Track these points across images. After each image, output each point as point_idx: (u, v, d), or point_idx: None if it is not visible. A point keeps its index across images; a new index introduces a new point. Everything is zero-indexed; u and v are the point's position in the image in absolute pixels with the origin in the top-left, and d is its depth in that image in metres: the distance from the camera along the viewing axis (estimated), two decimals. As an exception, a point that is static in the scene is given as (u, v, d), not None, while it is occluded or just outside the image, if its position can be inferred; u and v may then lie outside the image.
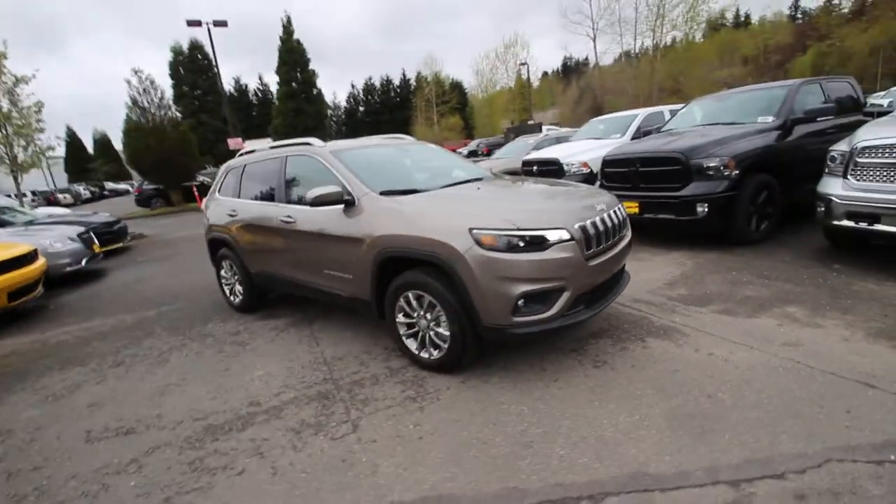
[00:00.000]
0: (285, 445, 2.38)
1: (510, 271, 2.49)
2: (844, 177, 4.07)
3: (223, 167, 4.86)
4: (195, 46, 31.65)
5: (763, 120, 5.37)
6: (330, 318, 4.17)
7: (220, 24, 18.73)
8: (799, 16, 54.87)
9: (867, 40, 20.32)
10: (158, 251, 9.60)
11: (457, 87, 45.63)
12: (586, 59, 73.15)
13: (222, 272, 4.80)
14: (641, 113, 8.40)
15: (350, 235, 3.15)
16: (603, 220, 2.79)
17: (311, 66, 21.69)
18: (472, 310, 2.61)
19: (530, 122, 25.22)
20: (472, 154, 29.94)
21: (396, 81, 54.96)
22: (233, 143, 17.77)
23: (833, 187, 4.13)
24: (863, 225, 3.86)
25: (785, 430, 2.06)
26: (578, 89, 48.73)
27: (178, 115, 21.97)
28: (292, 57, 20.98)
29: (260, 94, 50.89)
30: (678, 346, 2.91)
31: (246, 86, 51.29)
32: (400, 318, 3.03)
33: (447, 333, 2.77)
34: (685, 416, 2.24)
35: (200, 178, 19.07)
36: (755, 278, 3.93)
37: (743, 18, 53.31)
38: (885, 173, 3.77)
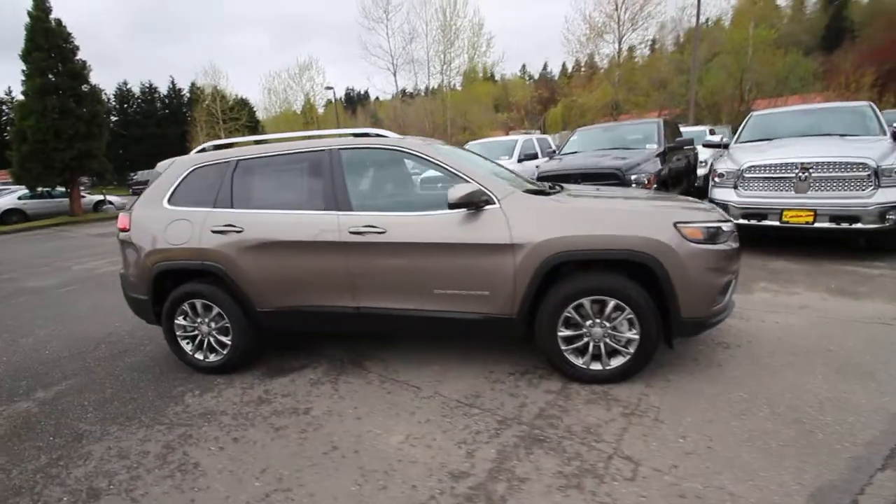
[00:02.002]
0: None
1: (716, 262, 2.57)
2: (735, 188, 5.55)
3: (176, 166, 3.33)
4: None
5: (650, 146, 6.84)
6: (369, 350, 3.31)
7: None
8: (554, 75, 70.03)
9: (595, 99, 27.92)
10: None
11: (244, 104, 41.33)
12: (366, 92, 77.22)
13: (179, 320, 3.24)
14: (520, 139, 9.48)
15: (491, 243, 2.65)
16: None
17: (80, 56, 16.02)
18: (673, 305, 2.55)
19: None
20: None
21: (163, 90, 46.37)
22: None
23: (728, 195, 5.57)
24: (754, 222, 5.33)
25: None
26: (369, 121, 50.84)
27: None
28: (51, 41, 15.26)
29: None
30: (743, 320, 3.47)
31: None
32: (564, 331, 2.69)
33: (635, 337, 2.62)
34: (847, 367, 2.71)
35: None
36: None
37: (518, 72, 65.17)
38: (764, 184, 5.30)
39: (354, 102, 75.84)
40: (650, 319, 2.57)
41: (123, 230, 3.32)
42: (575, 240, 2.56)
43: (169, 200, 3.24)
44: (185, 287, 3.17)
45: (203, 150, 3.46)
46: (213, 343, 3.22)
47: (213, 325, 3.20)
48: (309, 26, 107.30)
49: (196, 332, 3.24)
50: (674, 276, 2.50)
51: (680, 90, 26.07)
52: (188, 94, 43.70)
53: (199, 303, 3.17)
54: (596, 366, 2.71)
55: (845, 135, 5.64)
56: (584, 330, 2.68)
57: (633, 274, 2.61)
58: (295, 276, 2.98)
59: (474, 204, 2.63)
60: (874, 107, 5.93)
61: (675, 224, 2.53)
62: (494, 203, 2.69)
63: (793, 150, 5.28)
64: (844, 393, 2.47)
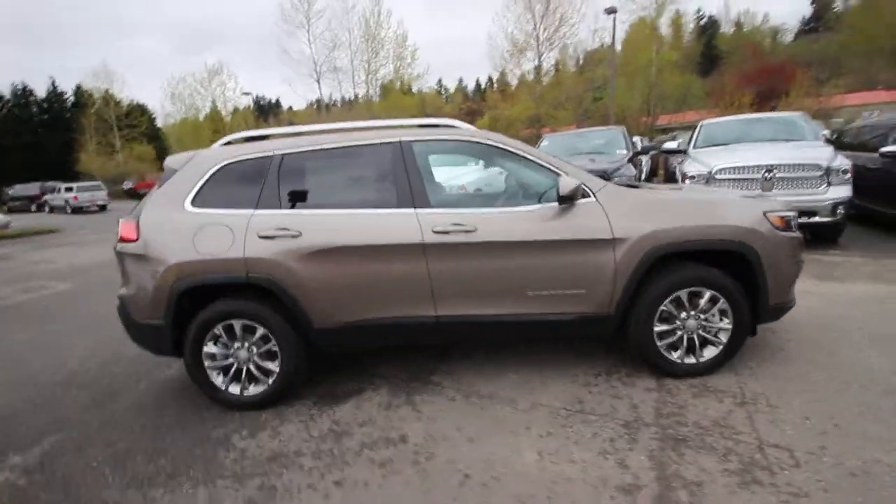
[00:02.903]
0: None
1: (794, 249, 2.70)
2: (707, 188, 6.05)
3: (199, 161, 2.77)
4: None
5: (620, 152, 7.23)
6: (426, 364, 3.02)
7: None
8: (470, 90, 71.62)
9: (518, 112, 29.32)
10: None
11: (142, 110, 37.12)
12: (278, 100, 73.62)
13: (209, 347, 2.68)
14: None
15: (591, 238, 2.54)
16: None
17: None
18: (763, 293, 2.62)
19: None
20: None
21: (41, 93, 40.06)
22: None
23: (701, 195, 6.07)
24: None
25: None
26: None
27: None
28: None
29: None
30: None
31: None
32: (659, 326, 2.65)
33: (728, 327, 2.65)
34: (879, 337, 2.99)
35: None
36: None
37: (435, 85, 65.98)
38: (734, 184, 5.81)
39: (266, 111, 71.97)
40: (742, 308, 2.61)
41: (128, 240, 2.69)
42: (678, 231, 2.54)
43: (193, 202, 2.69)
44: (218, 306, 2.64)
45: (229, 142, 2.95)
46: (255, 371, 2.71)
47: (254, 349, 2.69)
48: (215, 31, 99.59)
49: (231, 361, 2.70)
50: (766, 263, 2.57)
51: (591, 106, 28.37)
52: (73, 98, 38.27)
53: (237, 324, 2.65)
54: (690, 359, 2.70)
55: (789, 140, 6.40)
56: (678, 323, 2.66)
57: (720, 263, 2.64)
58: (365, 285, 2.61)
59: (573, 198, 2.51)
60: (805, 117, 6.82)
61: (764, 213, 2.62)
62: (590, 196, 2.59)
63: (755, 154, 5.86)
64: (905, 362, 2.71)
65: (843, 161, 5.52)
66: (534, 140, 11.03)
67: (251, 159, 2.75)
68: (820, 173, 5.42)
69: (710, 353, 2.70)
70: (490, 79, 62.59)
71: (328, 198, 2.73)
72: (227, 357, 2.70)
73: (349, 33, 32.86)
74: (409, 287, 2.61)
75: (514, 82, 34.32)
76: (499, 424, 2.41)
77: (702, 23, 50.04)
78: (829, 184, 5.43)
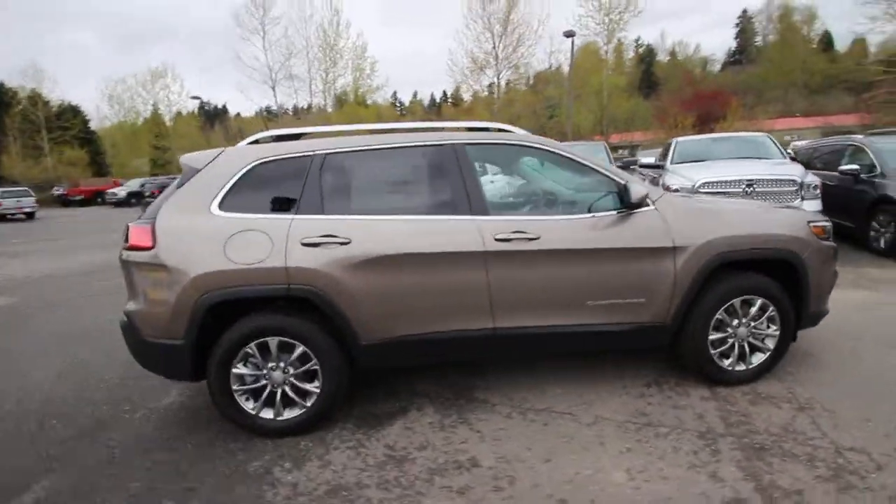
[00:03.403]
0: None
1: (831, 258, 2.80)
2: (690, 201, 6.32)
3: (227, 160, 2.47)
4: None
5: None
6: (463, 379, 2.86)
7: None
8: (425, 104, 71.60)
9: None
10: None
11: (74, 111, 34.13)
12: (225, 106, 70.54)
13: (238, 369, 2.36)
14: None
15: (653, 246, 2.51)
16: None
17: None
18: (806, 300, 2.69)
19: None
20: (138, 196, 23.57)
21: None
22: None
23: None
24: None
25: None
26: (236, 135, 46.91)
27: None
28: None
29: None
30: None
31: None
32: (714, 334, 2.65)
33: (776, 334, 2.70)
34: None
35: None
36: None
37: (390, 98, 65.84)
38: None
39: (212, 116, 68.77)
40: (789, 315, 2.67)
41: (140, 248, 2.34)
42: (736, 240, 2.56)
43: (222, 205, 2.39)
44: (252, 322, 2.34)
45: (257, 141, 2.66)
46: (291, 393, 2.42)
47: (290, 369, 2.41)
48: (161, 27, 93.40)
49: (263, 383, 2.40)
50: (811, 271, 2.65)
51: (547, 122, 29.53)
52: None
53: (273, 342, 2.36)
54: (740, 366, 2.71)
55: (760, 157, 6.84)
56: (730, 331, 2.67)
57: (766, 272, 2.69)
58: (420, 297, 2.42)
59: (640, 205, 2.47)
60: (771, 137, 7.34)
61: (808, 222, 2.70)
62: (649, 204, 2.56)
63: (735, 169, 6.20)
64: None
65: (813, 177, 5.96)
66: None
67: (288, 159, 2.49)
68: (795, 188, 5.81)
69: (757, 359, 2.73)
70: (445, 94, 63.64)
71: (377, 202, 2.54)
72: (258, 379, 2.40)
73: (306, 42, 32.19)
74: (466, 298, 2.45)
75: (468, 98, 35.00)
76: (569, 442, 2.28)
77: (640, 51, 53.65)
78: (803, 198, 5.83)
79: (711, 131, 20.65)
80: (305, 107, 37.76)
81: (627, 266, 2.51)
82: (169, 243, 2.32)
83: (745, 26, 56.60)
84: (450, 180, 2.50)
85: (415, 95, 70.02)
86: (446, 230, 2.43)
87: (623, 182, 2.52)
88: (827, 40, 46.31)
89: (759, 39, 54.36)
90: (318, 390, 2.42)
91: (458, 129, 2.77)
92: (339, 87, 33.95)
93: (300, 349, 2.38)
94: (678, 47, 53.27)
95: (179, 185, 2.45)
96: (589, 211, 2.56)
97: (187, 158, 2.56)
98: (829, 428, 2.27)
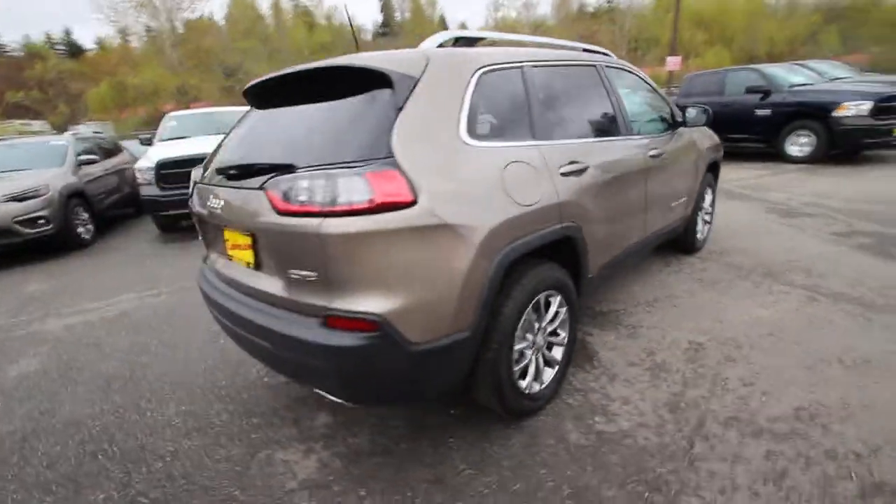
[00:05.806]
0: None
1: None
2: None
3: (454, 66, 1.63)
4: None
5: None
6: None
7: None
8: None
9: (150, 80, 23.66)
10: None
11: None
12: None
13: (519, 343, 1.83)
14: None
15: (695, 149, 3.38)
16: None
17: None
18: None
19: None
20: None
21: None
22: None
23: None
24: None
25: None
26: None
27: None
28: None
29: None
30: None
31: None
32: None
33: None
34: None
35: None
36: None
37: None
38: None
39: None
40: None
41: (394, 206, 1.40)
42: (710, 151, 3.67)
43: (469, 130, 1.66)
44: (536, 277, 1.84)
45: (442, 45, 1.83)
46: (549, 355, 2.06)
47: (548, 328, 2.03)
48: None
49: (528, 353, 1.94)
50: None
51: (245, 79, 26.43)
52: None
53: (543, 298, 1.93)
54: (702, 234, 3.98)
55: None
56: (707, 208, 3.86)
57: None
58: (619, 219, 2.45)
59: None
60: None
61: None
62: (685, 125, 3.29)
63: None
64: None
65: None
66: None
67: (507, 69, 1.92)
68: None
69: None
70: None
71: (577, 124, 2.27)
72: (522, 350, 1.92)
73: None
74: (637, 214, 2.65)
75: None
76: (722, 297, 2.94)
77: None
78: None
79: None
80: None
81: (685, 167, 3.23)
82: (440, 190, 1.49)
83: (386, 1, 64.02)
84: (610, 101, 2.52)
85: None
86: (631, 149, 2.53)
87: (671, 108, 3.18)
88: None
89: (398, 13, 62.78)
90: (563, 348, 2.14)
91: (570, 49, 2.68)
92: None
93: (557, 300, 2.04)
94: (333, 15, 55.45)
95: (406, 103, 1.52)
96: (664, 131, 3.07)
97: (381, 62, 1.57)
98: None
